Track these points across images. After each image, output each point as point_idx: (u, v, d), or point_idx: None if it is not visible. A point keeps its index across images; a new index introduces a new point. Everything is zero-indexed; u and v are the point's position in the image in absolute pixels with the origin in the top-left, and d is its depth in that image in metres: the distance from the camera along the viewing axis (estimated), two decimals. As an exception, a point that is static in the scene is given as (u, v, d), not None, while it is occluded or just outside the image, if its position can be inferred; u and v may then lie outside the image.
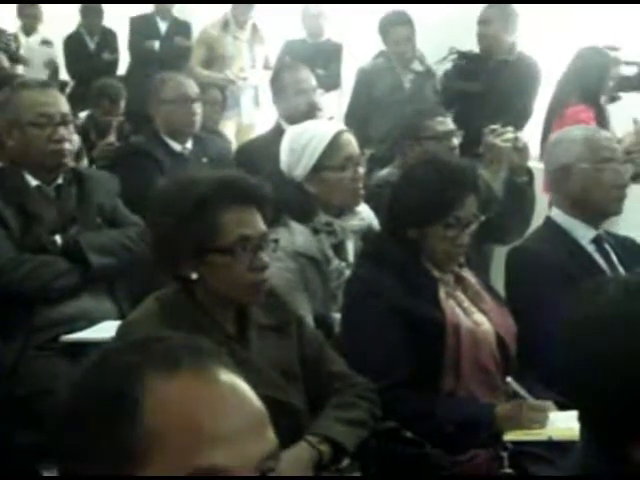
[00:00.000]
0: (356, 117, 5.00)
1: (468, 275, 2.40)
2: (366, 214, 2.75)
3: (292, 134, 2.72)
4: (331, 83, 6.06)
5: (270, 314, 2.02)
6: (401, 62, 5.00)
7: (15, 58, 6.54)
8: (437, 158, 2.48)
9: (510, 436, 2.08)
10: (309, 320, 2.43)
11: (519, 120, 4.26)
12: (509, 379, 2.17)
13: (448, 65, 4.83)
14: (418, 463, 2.04)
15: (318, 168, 2.60)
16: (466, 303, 2.33)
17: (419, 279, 2.30)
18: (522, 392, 2.15)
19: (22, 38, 7.31)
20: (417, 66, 5.09)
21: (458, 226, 2.27)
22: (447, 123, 3.36)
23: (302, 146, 2.62)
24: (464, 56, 4.70)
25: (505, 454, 2.04)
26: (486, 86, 4.55)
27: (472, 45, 4.76)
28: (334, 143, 2.61)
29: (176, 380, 0.87)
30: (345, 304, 2.40)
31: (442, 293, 2.30)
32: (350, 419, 1.98)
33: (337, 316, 2.50)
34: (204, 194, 1.85)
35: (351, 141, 2.68)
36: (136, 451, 0.84)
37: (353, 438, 1.96)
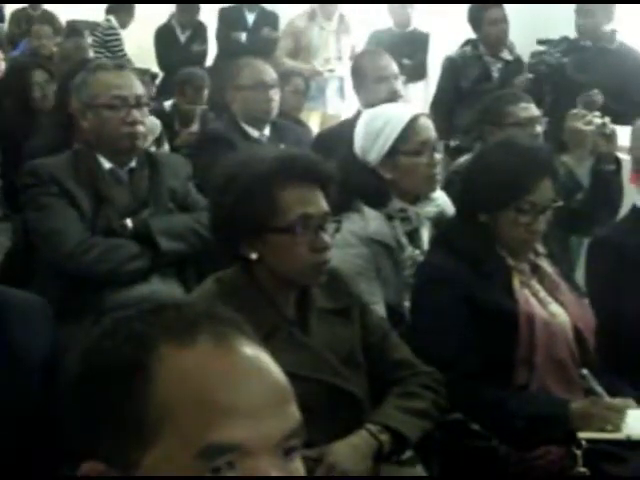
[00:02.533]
0: (442, 107, 4.90)
1: (545, 264, 2.28)
2: (442, 201, 2.66)
3: (367, 118, 2.65)
4: (417, 73, 5.97)
5: (332, 298, 1.96)
6: (492, 48, 4.88)
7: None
8: (510, 140, 2.36)
9: (585, 434, 1.96)
10: (380, 308, 2.37)
11: (632, 110, 4.07)
12: (585, 371, 2.05)
13: (543, 55, 4.67)
14: (484, 458, 1.95)
15: (393, 153, 2.52)
16: (542, 293, 2.22)
17: (492, 267, 2.20)
18: (598, 388, 2.03)
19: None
20: (506, 55, 4.95)
21: (532, 212, 2.16)
22: (531, 109, 3.23)
23: (377, 130, 2.54)
24: (573, 45, 4.53)
25: (579, 452, 1.92)
26: (596, 76, 4.37)
27: (555, 35, 4.62)
28: (410, 127, 2.52)
29: (192, 350, 0.82)
30: (415, 291, 2.32)
31: (516, 282, 2.19)
32: (413, 409, 1.90)
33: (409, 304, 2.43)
34: (264, 171, 1.81)
35: (428, 125, 2.59)
36: (147, 423, 0.80)
37: (416, 429, 1.88)
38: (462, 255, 2.21)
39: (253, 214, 1.80)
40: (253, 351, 0.84)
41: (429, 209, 2.60)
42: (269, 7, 7.18)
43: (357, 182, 2.52)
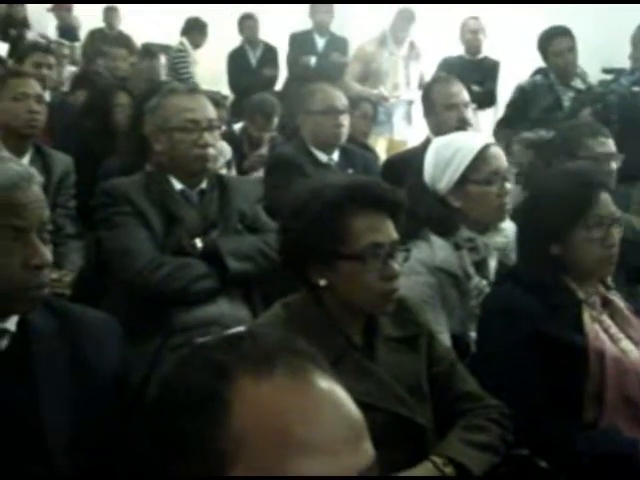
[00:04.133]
0: (503, 133, 4.86)
1: (616, 299, 2.23)
2: (510, 231, 2.63)
3: (438, 146, 2.64)
4: (486, 100, 5.94)
5: (400, 327, 1.95)
6: (561, 78, 4.83)
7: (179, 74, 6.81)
8: (559, 166, 2.35)
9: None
10: (445, 338, 2.35)
11: None
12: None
13: (612, 85, 4.61)
14: (550, 495, 1.91)
15: (463, 181, 2.50)
16: (613, 329, 2.17)
17: (562, 300, 2.16)
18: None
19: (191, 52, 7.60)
20: (578, 84, 4.89)
21: (601, 225, 2.14)
22: (608, 144, 3.14)
23: (447, 158, 2.53)
24: None
25: (649, 494, 1.87)
26: None
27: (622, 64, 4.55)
28: (481, 156, 2.50)
29: (269, 382, 0.81)
30: (482, 322, 2.29)
31: (586, 316, 2.15)
32: (479, 443, 1.87)
33: (475, 335, 2.40)
34: (335, 198, 1.81)
35: (499, 155, 2.57)
36: (223, 453, 0.79)
37: (481, 463, 1.84)
38: (530, 287, 2.18)
39: (323, 241, 1.81)
40: (329, 385, 0.83)
41: (498, 239, 2.57)
42: (339, 32, 7.23)
43: (426, 211, 2.51)
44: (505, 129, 4.72)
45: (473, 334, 2.43)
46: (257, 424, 0.79)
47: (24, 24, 8.49)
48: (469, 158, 2.49)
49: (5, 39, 7.88)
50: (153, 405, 0.86)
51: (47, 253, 1.49)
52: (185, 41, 7.51)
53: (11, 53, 6.39)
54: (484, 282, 2.52)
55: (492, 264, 2.57)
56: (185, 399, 0.82)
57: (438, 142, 2.67)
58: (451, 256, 2.49)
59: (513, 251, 2.55)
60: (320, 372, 0.84)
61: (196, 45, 7.58)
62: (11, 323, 1.51)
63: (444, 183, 2.52)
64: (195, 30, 7.65)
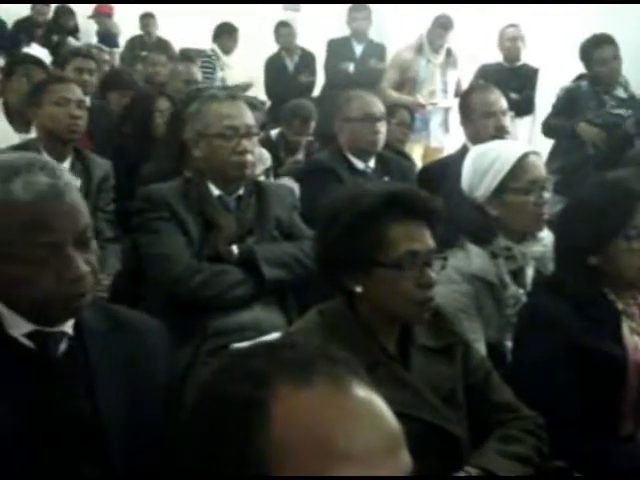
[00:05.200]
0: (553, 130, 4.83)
1: (656, 310, 2.21)
2: (548, 240, 2.61)
3: (476, 153, 2.63)
4: (524, 108, 5.89)
5: (435, 336, 1.94)
6: (605, 86, 4.78)
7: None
8: (597, 178, 2.32)
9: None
10: (481, 346, 2.34)
11: None
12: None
13: None
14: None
15: (501, 190, 2.49)
16: (653, 341, 2.14)
17: (600, 311, 2.14)
18: None
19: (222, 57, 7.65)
20: (620, 93, 4.84)
21: None
22: None
23: (486, 166, 2.52)
24: None
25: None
26: None
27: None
28: (520, 165, 2.49)
29: (308, 391, 0.82)
30: (518, 332, 2.27)
31: (625, 328, 2.12)
32: (514, 454, 1.86)
33: (511, 344, 2.39)
34: (372, 206, 1.81)
35: (538, 164, 2.55)
36: (262, 461, 0.80)
37: (516, 474, 1.83)
38: (568, 298, 2.16)
39: (359, 248, 1.81)
40: (367, 394, 0.84)
41: (535, 248, 2.55)
42: (377, 39, 7.23)
43: (463, 219, 2.50)
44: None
45: (509, 343, 2.41)
46: (296, 432, 0.79)
47: (74, 32, 8.62)
48: (507, 167, 2.48)
49: (46, 45, 8.00)
50: (193, 411, 0.86)
51: (83, 265, 1.43)
52: (216, 47, 7.57)
53: (53, 59, 6.48)
54: (521, 291, 2.50)
55: (529, 273, 2.55)
56: (225, 406, 0.83)
57: (476, 150, 2.66)
58: (488, 264, 2.47)
59: (551, 260, 2.53)
60: (359, 381, 0.84)
61: (226, 50, 7.63)
62: (68, 326, 1.51)
63: (482, 191, 2.51)
64: (225, 35, 7.70)
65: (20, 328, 1.46)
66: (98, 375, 1.50)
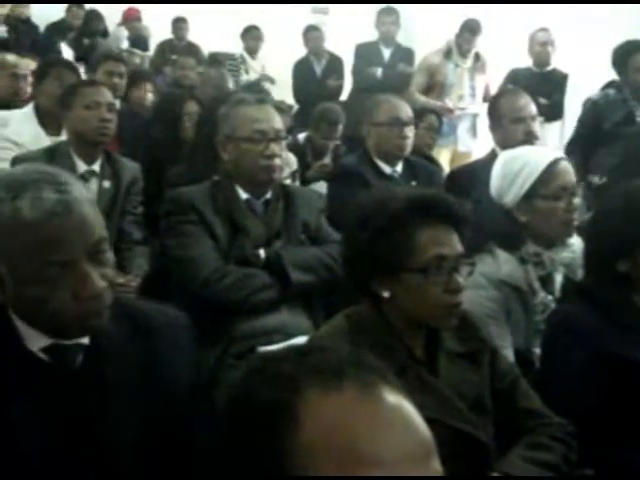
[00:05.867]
0: (579, 148, 4.79)
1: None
2: (578, 247, 2.59)
3: (505, 159, 2.61)
4: (553, 113, 5.86)
5: (462, 341, 1.93)
6: (636, 94, 4.74)
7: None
8: (627, 184, 2.29)
9: None
10: (509, 353, 2.32)
11: None
12: None
13: None
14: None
15: (530, 196, 2.47)
16: (683, 348, 2.12)
17: (629, 318, 2.12)
18: None
19: (248, 60, 7.69)
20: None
21: None
22: None
23: (515, 172, 2.50)
24: None
25: None
26: None
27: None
28: (549, 171, 2.47)
29: (338, 396, 0.81)
30: (546, 339, 2.25)
31: (655, 335, 2.10)
32: (542, 461, 1.84)
33: (539, 351, 2.37)
34: (400, 210, 1.80)
35: (568, 170, 2.53)
36: (290, 465, 0.79)
37: (543, 482, 1.82)
38: (597, 305, 2.14)
39: (387, 253, 1.80)
40: (398, 400, 0.83)
41: (564, 255, 2.53)
42: (405, 43, 7.23)
43: (491, 224, 2.48)
44: (577, 151, 4.64)
45: (537, 350, 2.39)
46: (325, 438, 0.79)
47: (104, 36, 8.71)
48: (537, 172, 2.46)
49: (78, 49, 8.08)
50: (223, 414, 0.86)
51: (99, 281, 1.39)
52: (243, 51, 7.61)
53: (84, 62, 6.54)
54: (550, 297, 2.48)
55: (558, 279, 2.53)
56: (254, 410, 0.82)
57: (505, 155, 2.65)
58: (516, 270, 2.46)
59: (580, 267, 2.51)
60: (389, 387, 0.83)
61: (251, 51, 7.66)
62: (85, 338, 1.48)
63: (511, 197, 2.50)
64: (249, 37, 7.74)
65: (37, 342, 1.44)
66: (113, 388, 1.47)
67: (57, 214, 1.35)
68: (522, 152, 2.61)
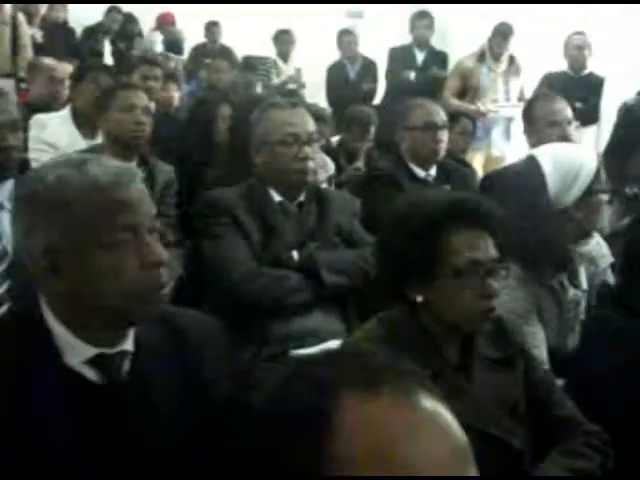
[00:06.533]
0: (616, 154, 4.73)
1: None
2: (595, 241, 2.61)
3: (556, 159, 2.50)
4: (589, 117, 5.80)
5: (496, 347, 1.92)
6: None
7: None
8: None
9: None
10: (542, 352, 2.30)
11: None
12: None
13: None
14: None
15: (589, 193, 2.45)
16: None
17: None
18: None
19: (280, 64, 7.71)
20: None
21: None
22: None
23: (576, 170, 2.42)
24: None
25: None
26: None
27: None
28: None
29: (375, 402, 0.79)
30: (582, 345, 2.23)
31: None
32: (577, 469, 1.82)
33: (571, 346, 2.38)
34: (435, 214, 1.80)
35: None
36: (324, 470, 0.78)
37: (578, 490, 1.80)
38: (633, 311, 2.11)
39: (421, 257, 1.79)
40: (435, 407, 0.81)
41: (589, 248, 2.53)
42: (439, 46, 7.20)
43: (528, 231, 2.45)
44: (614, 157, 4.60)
45: (570, 346, 2.39)
46: (362, 444, 0.78)
47: (140, 36, 8.81)
48: (594, 169, 2.44)
49: (114, 52, 8.17)
50: (259, 416, 0.85)
51: (163, 250, 1.41)
52: (275, 55, 7.64)
53: (118, 65, 6.60)
54: (579, 293, 2.49)
55: (582, 272, 2.54)
56: (290, 415, 0.81)
57: (554, 155, 2.56)
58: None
59: (606, 264, 2.52)
60: (427, 394, 0.82)
61: (283, 55, 7.67)
62: (129, 343, 1.45)
63: (571, 196, 2.45)
64: (280, 42, 7.76)
65: (81, 354, 1.40)
66: (155, 399, 1.45)
67: (126, 179, 1.40)
68: (569, 150, 2.57)
